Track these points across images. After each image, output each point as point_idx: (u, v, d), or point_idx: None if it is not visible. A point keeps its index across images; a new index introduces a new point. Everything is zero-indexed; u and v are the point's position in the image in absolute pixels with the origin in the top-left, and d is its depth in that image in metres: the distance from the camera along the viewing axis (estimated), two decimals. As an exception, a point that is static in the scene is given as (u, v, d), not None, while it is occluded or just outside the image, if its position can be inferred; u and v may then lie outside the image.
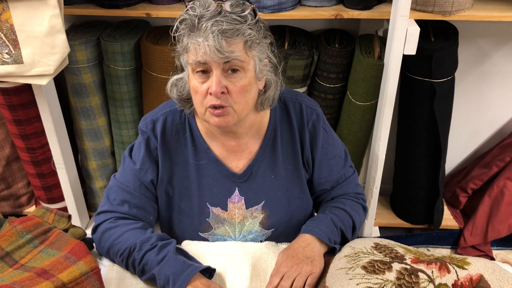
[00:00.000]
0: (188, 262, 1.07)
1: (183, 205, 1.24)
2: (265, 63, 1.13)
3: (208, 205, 1.23)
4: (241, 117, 1.12)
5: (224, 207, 1.24)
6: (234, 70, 1.05)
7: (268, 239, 1.27)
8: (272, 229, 1.27)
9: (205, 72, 1.06)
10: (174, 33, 1.08)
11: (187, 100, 1.17)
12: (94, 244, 1.20)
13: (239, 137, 1.21)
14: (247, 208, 1.24)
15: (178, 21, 1.07)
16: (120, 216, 1.18)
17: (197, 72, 1.06)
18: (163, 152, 1.21)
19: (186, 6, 1.06)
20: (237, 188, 1.23)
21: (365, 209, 1.31)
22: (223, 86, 1.05)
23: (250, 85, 1.09)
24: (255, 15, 1.08)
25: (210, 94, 1.05)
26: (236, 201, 1.24)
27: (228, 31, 1.01)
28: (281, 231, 1.27)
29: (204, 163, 1.22)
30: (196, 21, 1.02)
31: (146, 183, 1.21)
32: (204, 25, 1.01)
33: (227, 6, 1.03)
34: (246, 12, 1.04)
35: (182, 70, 1.14)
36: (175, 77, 1.16)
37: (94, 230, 1.19)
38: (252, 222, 1.26)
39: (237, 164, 1.23)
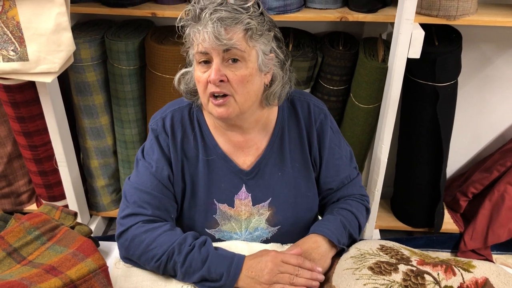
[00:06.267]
0: (231, 252, 1.11)
1: (192, 201, 1.24)
2: (270, 57, 1.13)
3: (215, 202, 1.23)
4: (243, 109, 1.12)
5: (231, 204, 1.24)
6: (235, 60, 1.07)
7: (274, 236, 1.28)
8: (278, 226, 1.27)
9: (208, 62, 1.08)
10: (178, 23, 1.10)
11: (194, 93, 1.19)
12: (120, 249, 1.15)
13: (245, 132, 1.22)
14: (253, 205, 1.24)
15: (184, 12, 1.10)
16: (146, 219, 1.15)
17: (200, 62, 1.09)
18: (174, 148, 1.21)
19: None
20: (244, 185, 1.23)
21: (367, 211, 1.31)
22: (223, 74, 1.06)
23: (251, 76, 1.09)
24: (259, 8, 1.09)
25: (210, 82, 1.07)
26: (243, 198, 1.24)
27: (226, 19, 1.03)
28: (287, 229, 1.27)
29: (213, 158, 1.22)
30: (198, 11, 1.05)
31: (163, 181, 1.19)
32: (205, 15, 1.04)
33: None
34: (249, 4, 1.07)
35: (191, 65, 1.16)
36: (183, 70, 1.19)
37: (119, 236, 1.14)
38: (258, 219, 1.26)
39: (245, 160, 1.23)
